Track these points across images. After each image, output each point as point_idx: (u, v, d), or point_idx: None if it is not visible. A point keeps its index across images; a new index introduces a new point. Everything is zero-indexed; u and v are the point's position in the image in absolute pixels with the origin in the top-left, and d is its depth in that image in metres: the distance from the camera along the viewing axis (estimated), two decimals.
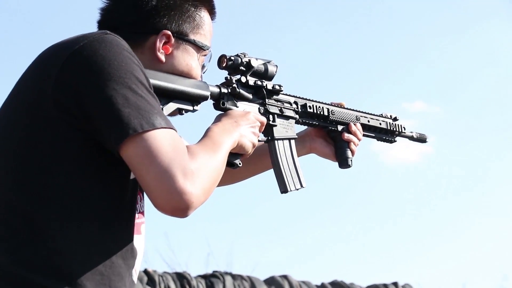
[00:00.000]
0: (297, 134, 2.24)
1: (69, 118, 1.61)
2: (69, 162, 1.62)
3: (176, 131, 1.64)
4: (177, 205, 1.57)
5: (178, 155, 1.57)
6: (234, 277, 12.34)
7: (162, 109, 1.79)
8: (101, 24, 1.85)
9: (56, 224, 1.61)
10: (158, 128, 1.57)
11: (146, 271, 11.56)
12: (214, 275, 12.26)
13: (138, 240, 1.79)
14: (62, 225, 1.61)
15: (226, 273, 12.47)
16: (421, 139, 2.62)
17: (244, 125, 1.92)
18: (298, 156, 2.31)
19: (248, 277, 12.60)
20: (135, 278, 1.75)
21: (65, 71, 1.61)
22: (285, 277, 13.09)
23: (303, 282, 13.33)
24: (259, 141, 2.05)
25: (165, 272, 11.90)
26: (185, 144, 1.85)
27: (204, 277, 12.19)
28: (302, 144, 2.31)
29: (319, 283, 13.83)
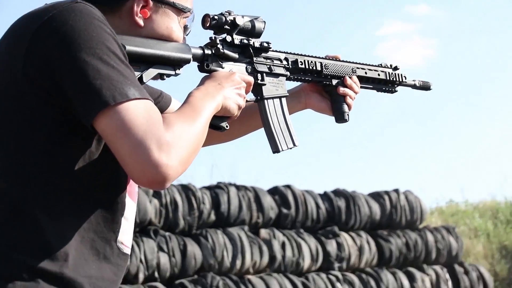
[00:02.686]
0: (291, 89, 2.26)
1: (41, 93, 1.58)
2: (45, 138, 1.61)
3: (152, 101, 1.62)
4: (153, 178, 1.58)
5: (153, 127, 1.56)
6: (238, 188, 12.38)
7: (142, 75, 1.79)
8: None
9: (37, 203, 1.61)
10: (131, 99, 1.55)
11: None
12: (218, 186, 12.30)
13: (130, 207, 1.83)
14: (43, 204, 1.62)
15: (230, 184, 12.51)
16: (425, 87, 2.55)
17: (229, 87, 1.89)
18: (294, 112, 2.33)
19: (252, 187, 12.64)
20: (125, 246, 1.78)
21: (34, 44, 1.58)
22: (288, 186, 13.12)
23: (306, 191, 13.37)
24: (248, 101, 2.04)
25: (170, 184, 11.88)
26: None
27: (209, 188, 12.23)
28: (297, 100, 2.29)
29: (321, 192, 13.86)
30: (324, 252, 12.87)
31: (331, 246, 13.09)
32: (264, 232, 12.19)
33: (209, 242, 11.14)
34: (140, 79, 1.80)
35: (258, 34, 2.06)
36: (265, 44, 2.10)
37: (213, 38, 2.03)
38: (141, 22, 1.80)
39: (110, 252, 1.73)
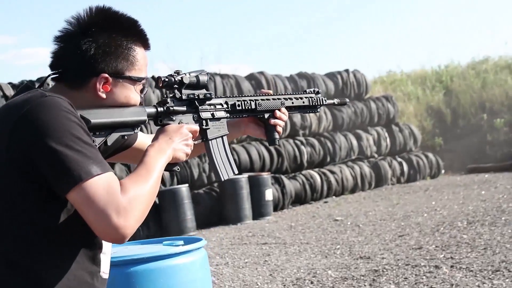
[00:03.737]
0: (233, 120, 2.20)
1: (23, 172, 1.56)
2: (30, 204, 1.58)
3: (112, 171, 1.59)
4: (114, 238, 1.57)
5: (112, 196, 1.54)
6: (222, 76, 12.95)
7: (106, 140, 1.77)
8: (52, 67, 1.76)
9: (28, 253, 1.59)
10: (94, 176, 1.52)
11: (153, 77, 12.06)
12: None
13: (107, 243, 1.76)
14: (34, 255, 1.59)
15: (216, 74, 13.05)
16: (342, 103, 2.52)
17: (177, 140, 1.84)
18: (235, 137, 2.32)
19: (233, 75, 13.18)
20: (104, 272, 1.76)
21: (14, 135, 1.56)
22: (261, 73, 13.69)
23: (276, 75, 13.97)
24: (200, 141, 2.04)
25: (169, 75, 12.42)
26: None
27: None
28: (238, 129, 2.22)
29: (288, 75, 14.43)
30: (291, 123, 13.56)
31: (296, 117, 13.72)
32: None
33: None
34: (105, 142, 1.77)
35: (203, 86, 2.01)
36: (208, 95, 2.01)
37: (165, 96, 1.98)
38: (103, 96, 1.73)
39: (96, 281, 1.70)
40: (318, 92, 2.40)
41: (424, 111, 19.32)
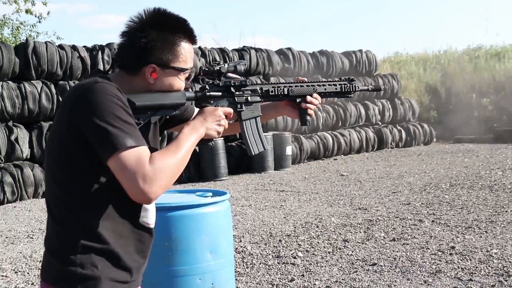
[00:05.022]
0: (274, 102, 2.16)
1: (77, 141, 1.61)
2: (82, 166, 1.63)
3: (145, 145, 1.61)
4: (141, 200, 1.59)
5: (140, 166, 1.55)
6: (256, 50, 12.85)
7: (150, 118, 1.79)
8: (116, 56, 1.81)
9: (82, 205, 1.64)
10: (128, 148, 1.55)
11: (200, 48, 12.04)
12: (243, 49, 12.78)
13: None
14: (86, 206, 1.64)
15: (251, 48, 12.94)
16: (377, 89, 2.39)
17: (210, 120, 1.83)
18: (273, 117, 2.26)
19: (266, 49, 13.07)
20: (147, 223, 1.77)
21: (71, 113, 1.62)
22: (289, 49, 13.55)
23: (301, 51, 13.81)
24: (234, 121, 2.01)
25: (212, 48, 12.38)
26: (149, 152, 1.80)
27: (237, 50, 12.70)
28: (276, 110, 2.18)
29: (311, 52, 14.28)
30: None
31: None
32: (272, 79, 12.80)
33: None
34: (149, 121, 1.79)
35: (240, 74, 1.97)
36: (243, 82, 1.97)
37: (204, 83, 1.95)
38: (152, 82, 1.74)
39: (135, 229, 1.72)
40: (352, 80, 2.27)
41: (423, 88, 19.00)
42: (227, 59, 12.02)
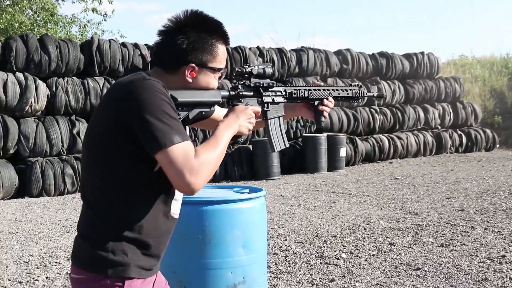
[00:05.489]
0: (292, 103, 2.26)
1: (123, 134, 1.67)
2: (125, 158, 1.70)
3: (189, 140, 1.69)
4: (187, 191, 1.68)
5: (187, 160, 1.64)
6: (314, 50, 12.86)
7: (188, 114, 1.86)
8: (155, 54, 1.87)
9: (120, 196, 1.71)
10: (175, 144, 1.63)
11: (258, 47, 12.14)
12: (301, 49, 12.80)
13: (178, 195, 1.84)
14: (124, 197, 1.71)
15: (309, 48, 12.95)
16: (380, 96, 2.57)
17: (242, 118, 1.92)
18: (291, 117, 2.36)
19: (324, 50, 13.05)
20: (175, 213, 1.85)
21: (120, 106, 1.67)
22: (348, 50, 13.47)
23: (360, 52, 13.69)
24: (261, 119, 2.11)
25: (270, 48, 12.46)
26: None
27: (295, 50, 12.75)
28: (293, 111, 2.28)
29: (370, 53, 14.12)
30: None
31: (374, 89, 13.47)
32: (329, 80, 12.77)
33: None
34: (188, 116, 1.86)
35: (268, 76, 2.07)
36: (271, 84, 2.08)
37: (237, 84, 2.05)
38: (190, 80, 1.81)
39: (166, 220, 1.80)
40: (361, 86, 2.42)
41: (488, 93, 18.39)
42: (285, 59, 12.10)
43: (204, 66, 1.82)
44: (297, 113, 2.30)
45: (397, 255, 5.03)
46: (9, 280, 4.63)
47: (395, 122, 13.80)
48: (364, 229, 6.16)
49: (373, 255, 5.08)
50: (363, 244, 5.45)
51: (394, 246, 5.37)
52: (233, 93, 2.01)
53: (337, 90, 2.32)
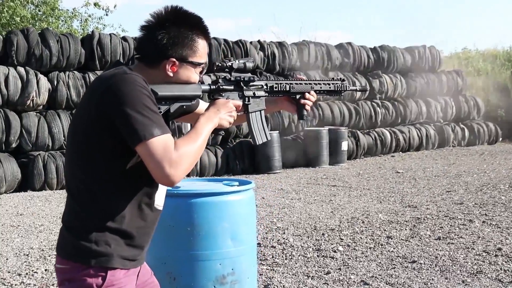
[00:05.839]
0: (273, 97, 2.28)
1: (104, 127, 1.70)
2: (109, 150, 1.72)
3: (169, 133, 1.71)
4: (166, 183, 1.70)
5: (167, 152, 1.66)
6: (315, 44, 12.82)
7: (170, 107, 1.88)
8: (136, 49, 1.90)
9: (102, 187, 1.74)
10: (155, 136, 1.66)
11: (259, 41, 12.12)
12: (302, 43, 12.76)
13: (161, 187, 1.87)
14: (106, 188, 1.75)
15: (311, 42, 12.92)
16: (364, 89, 2.59)
17: (223, 111, 1.95)
18: (273, 111, 2.39)
19: (325, 44, 13.01)
20: (158, 205, 1.87)
21: (102, 100, 1.70)
22: (349, 43, 13.42)
23: (361, 46, 13.64)
24: (243, 113, 2.13)
25: (271, 42, 12.44)
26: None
27: (296, 44, 12.71)
28: (275, 104, 2.31)
29: (372, 47, 14.07)
30: (371, 88, 13.23)
31: (375, 83, 13.44)
32: (330, 74, 12.73)
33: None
34: (169, 110, 1.89)
35: (248, 70, 2.09)
36: (252, 78, 2.10)
37: (217, 77, 2.07)
38: (171, 74, 1.84)
39: (150, 211, 1.82)
40: (343, 80, 2.42)
41: (491, 86, 18.27)
42: (286, 53, 12.07)
43: (184, 61, 1.85)
44: (279, 107, 2.32)
45: (393, 248, 5.04)
46: (9, 272, 4.67)
47: (397, 115, 13.78)
48: (363, 222, 6.17)
49: (370, 248, 5.09)
50: (361, 237, 5.46)
51: (391, 239, 5.37)
52: (214, 87, 2.03)
53: (318, 84, 2.33)
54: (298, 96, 2.24)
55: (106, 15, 18.56)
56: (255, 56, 11.59)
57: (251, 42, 11.88)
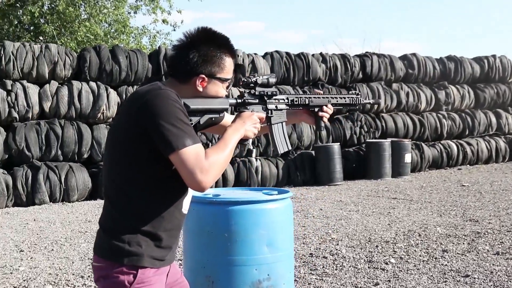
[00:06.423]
0: (294, 110, 2.40)
1: (142, 138, 1.85)
2: (143, 160, 1.87)
3: (200, 143, 1.85)
4: (198, 189, 1.85)
5: (198, 161, 1.81)
6: (378, 55, 12.69)
7: (200, 120, 2.03)
8: (169, 67, 2.03)
9: (138, 193, 1.89)
10: (187, 146, 1.80)
11: (321, 54, 12.17)
12: (365, 55, 12.68)
13: (190, 190, 2.01)
14: (141, 194, 1.89)
15: (374, 53, 12.80)
16: (376, 103, 2.74)
17: (249, 123, 2.09)
18: (293, 123, 2.54)
19: (389, 55, 12.86)
20: (185, 210, 2.02)
21: (139, 114, 1.85)
22: (414, 54, 13.21)
23: (427, 57, 13.38)
24: (266, 124, 2.26)
25: (333, 54, 12.44)
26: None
27: (359, 56, 12.64)
28: (295, 116, 2.43)
29: (438, 57, 13.76)
30: (436, 99, 13.01)
31: (441, 95, 13.16)
32: (394, 86, 12.59)
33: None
34: (199, 122, 2.03)
35: (271, 85, 2.23)
36: (274, 92, 2.24)
37: (243, 92, 2.21)
38: (200, 89, 1.98)
39: (178, 215, 1.96)
40: (358, 94, 2.56)
41: None
42: (348, 65, 12.05)
43: (213, 77, 2.00)
44: (299, 119, 2.46)
45: (448, 262, 4.95)
46: (73, 274, 4.96)
47: (464, 127, 13.38)
48: (419, 235, 6.07)
49: (423, 261, 5.01)
50: (415, 250, 5.39)
51: (446, 252, 5.27)
52: (240, 100, 2.18)
53: (335, 97, 2.47)
54: (316, 109, 2.38)
55: (174, 30, 19.21)
56: (317, 69, 11.64)
57: (313, 55, 11.93)
